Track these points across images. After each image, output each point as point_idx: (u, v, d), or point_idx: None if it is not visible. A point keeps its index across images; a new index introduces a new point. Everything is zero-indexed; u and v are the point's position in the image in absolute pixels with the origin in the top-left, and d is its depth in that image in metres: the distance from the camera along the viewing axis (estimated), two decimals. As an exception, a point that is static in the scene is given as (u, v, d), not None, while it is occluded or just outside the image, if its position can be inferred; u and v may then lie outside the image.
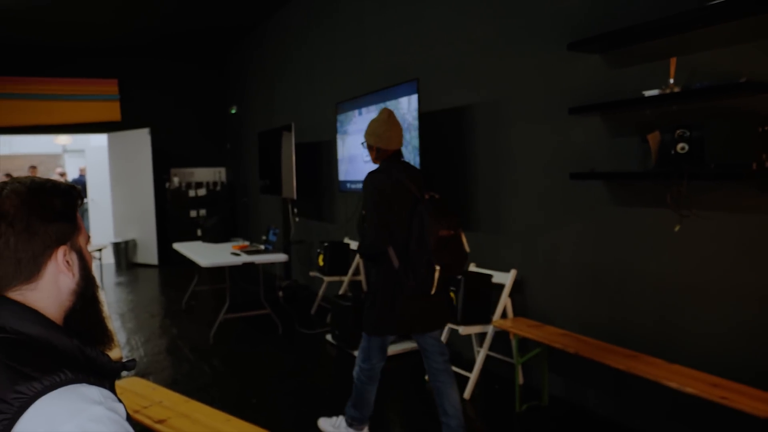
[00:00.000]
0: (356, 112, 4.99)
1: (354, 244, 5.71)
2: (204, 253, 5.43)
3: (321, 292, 5.96)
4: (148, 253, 9.47)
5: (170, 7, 7.24)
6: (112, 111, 9.80)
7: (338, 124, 5.36)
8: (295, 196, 6.10)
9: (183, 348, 4.93)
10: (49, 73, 9.37)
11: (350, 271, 5.56)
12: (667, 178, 2.72)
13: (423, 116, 4.25)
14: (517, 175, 3.82)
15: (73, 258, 1.06)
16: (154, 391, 2.70)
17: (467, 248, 2.87)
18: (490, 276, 3.85)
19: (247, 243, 6.02)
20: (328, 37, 6.31)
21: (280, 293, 6.45)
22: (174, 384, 3.98)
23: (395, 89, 4.40)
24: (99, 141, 10.96)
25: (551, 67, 3.51)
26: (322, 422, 3.25)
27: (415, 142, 4.16)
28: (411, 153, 4.20)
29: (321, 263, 5.61)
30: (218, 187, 9.91)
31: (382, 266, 2.82)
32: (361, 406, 3.07)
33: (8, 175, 11.62)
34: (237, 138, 9.79)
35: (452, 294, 3.75)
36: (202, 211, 9.64)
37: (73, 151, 17.64)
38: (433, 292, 2.74)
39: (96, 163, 10.77)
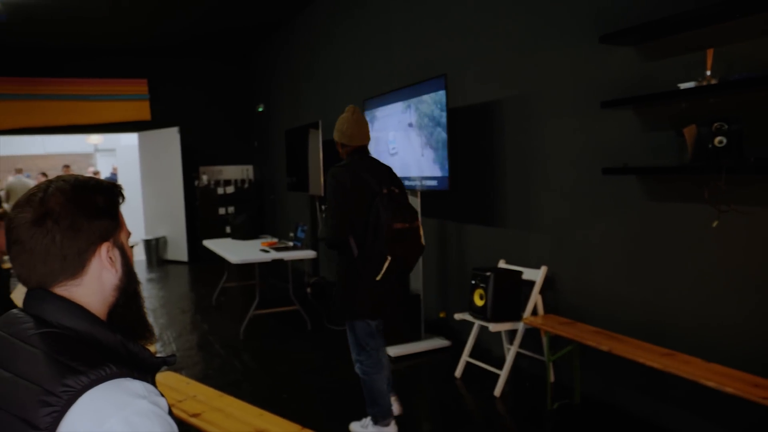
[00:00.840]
0: (384, 108, 4.98)
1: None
2: (233, 250, 5.50)
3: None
4: (178, 250, 9.62)
5: (199, 7, 7.33)
6: (142, 110, 9.98)
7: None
8: (322, 193, 6.12)
9: (214, 343, 5.00)
10: (81, 74, 9.57)
11: (378, 268, 5.56)
12: (704, 173, 2.66)
13: (451, 112, 4.22)
14: (547, 171, 3.77)
15: (116, 254, 1.08)
16: (188, 385, 2.75)
17: (423, 241, 3.06)
18: (520, 272, 3.82)
19: (275, 240, 6.07)
20: (355, 34, 6.32)
21: (309, 289, 6.49)
22: (206, 379, 4.04)
23: (423, 85, 4.38)
24: (129, 140, 11.16)
25: (582, 61, 3.45)
26: (353, 425, 3.26)
27: (443, 137, 4.14)
28: (440, 149, 4.19)
29: (349, 260, 5.62)
30: (246, 185, 10.02)
31: (344, 255, 2.98)
32: (376, 399, 3.09)
33: (44, 174, 11.90)
34: (264, 136, 9.88)
35: (481, 290, 3.73)
36: (231, 209, 9.75)
37: (104, 150, 18.02)
38: (377, 278, 2.88)
39: (127, 161, 10.97)
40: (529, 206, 3.94)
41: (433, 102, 4.25)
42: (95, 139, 15.71)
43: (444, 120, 4.12)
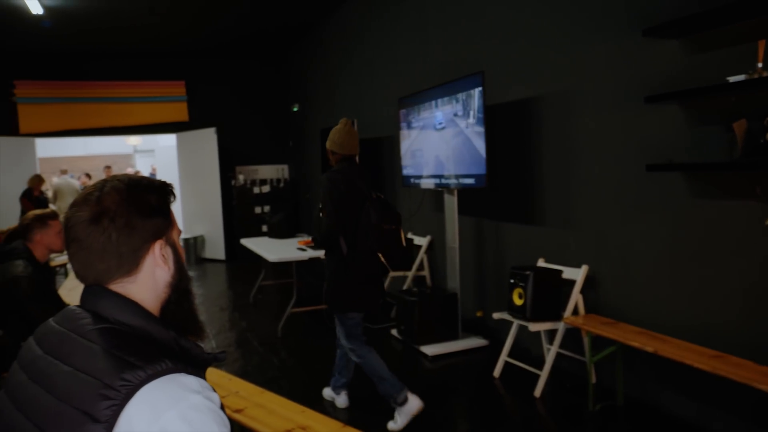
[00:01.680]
0: (421, 106, 4.95)
1: (418, 239, 5.70)
2: (271, 249, 5.55)
3: (385, 287, 5.97)
4: (215, 248, 9.77)
5: (234, 10, 7.43)
6: (180, 112, 10.18)
7: (401, 119, 5.34)
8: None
9: (252, 341, 5.06)
10: (121, 77, 9.82)
11: (414, 266, 5.55)
12: (755, 169, 2.57)
13: (488, 109, 4.17)
14: (588, 168, 3.70)
15: (168, 252, 1.09)
16: (230, 381, 2.78)
17: (404, 242, 3.32)
18: (560, 271, 3.76)
19: (311, 238, 6.11)
20: (389, 32, 6.31)
21: (344, 288, 6.51)
22: (245, 375, 4.09)
23: (459, 82, 4.34)
24: (168, 141, 11.37)
25: (624, 55, 3.38)
26: (390, 425, 3.26)
27: (481, 135, 4.10)
28: (477, 146, 4.15)
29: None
30: (281, 184, 10.11)
31: (334, 254, 3.23)
32: (379, 373, 3.26)
33: (87, 174, 12.23)
34: (299, 135, 9.96)
35: (521, 290, 3.69)
36: (267, 208, 9.86)
37: (143, 151, 18.42)
38: (391, 272, 3.10)
39: (165, 162, 11.19)
40: (570, 204, 3.87)
41: (470, 99, 4.21)
42: (134, 140, 16.08)
43: (481, 117, 4.08)
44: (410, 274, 5.55)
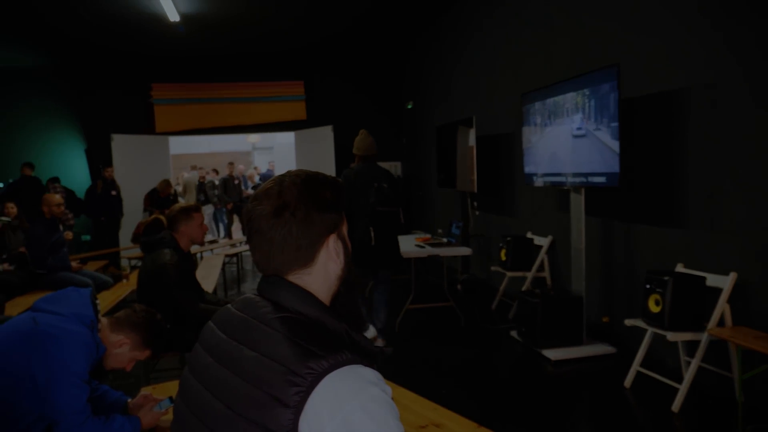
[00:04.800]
0: (548, 102, 4.76)
1: (538, 239, 5.52)
2: (388, 245, 5.60)
3: (502, 288, 5.85)
4: (330, 243, 10.06)
5: (353, 9, 7.58)
6: (299, 110, 10.58)
7: (524, 116, 5.18)
8: (475, 189, 6.05)
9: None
10: (244, 78, 10.35)
11: (534, 267, 5.38)
12: None
13: (622, 102, 3.93)
14: (741, 166, 3.37)
15: (339, 246, 1.11)
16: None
17: (402, 220, 4.41)
18: (704, 278, 3.47)
19: (428, 235, 6.11)
20: (510, 26, 6.15)
21: (459, 286, 6.45)
22: (365, 369, 4.15)
23: (591, 76, 4.12)
24: (285, 138, 11.86)
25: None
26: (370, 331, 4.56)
27: (614, 131, 3.87)
28: (610, 143, 3.92)
29: (503, 258, 5.50)
30: (394, 181, 10.20)
31: (350, 228, 4.05)
32: (378, 311, 4.66)
33: (215, 170, 13.03)
34: (413, 132, 9.99)
35: (658, 296, 3.44)
36: (380, 204, 9.99)
37: (261, 149, 19.39)
38: (372, 244, 4.25)
39: (283, 159, 11.68)
40: (717, 205, 3.55)
41: (603, 93, 3.99)
42: (254, 138, 16.96)
43: (615, 112, 3.86)
44: (529, 275, 5.38)
